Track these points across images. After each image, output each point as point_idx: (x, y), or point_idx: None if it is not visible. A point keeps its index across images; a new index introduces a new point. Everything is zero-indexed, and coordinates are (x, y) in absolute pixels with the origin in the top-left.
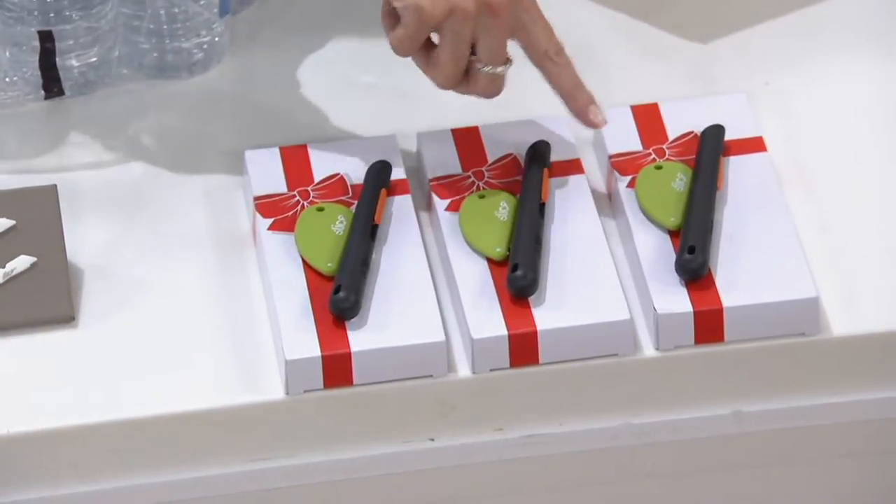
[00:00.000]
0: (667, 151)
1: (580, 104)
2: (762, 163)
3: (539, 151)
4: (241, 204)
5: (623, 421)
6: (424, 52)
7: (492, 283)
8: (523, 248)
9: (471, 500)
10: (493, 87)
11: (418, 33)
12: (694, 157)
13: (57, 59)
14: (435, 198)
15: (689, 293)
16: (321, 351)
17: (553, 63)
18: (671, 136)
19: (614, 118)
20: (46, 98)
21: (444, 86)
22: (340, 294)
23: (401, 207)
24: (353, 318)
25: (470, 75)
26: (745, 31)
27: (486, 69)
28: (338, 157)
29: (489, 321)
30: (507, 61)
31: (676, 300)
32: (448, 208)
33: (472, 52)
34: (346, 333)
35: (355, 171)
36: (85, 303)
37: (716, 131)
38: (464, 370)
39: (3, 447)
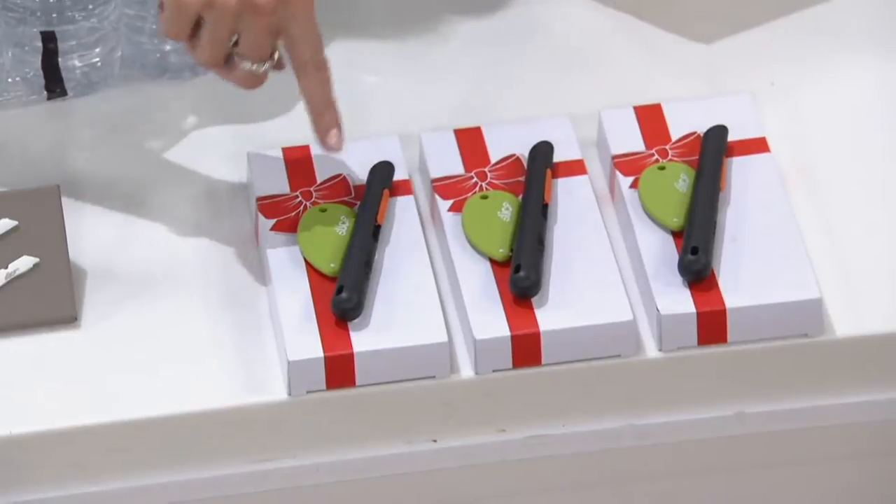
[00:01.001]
0: (670, 152)
1: (324, 125)
2: (766, 163)
3: (542, 152)
4: (243, 205)
5: (626, 422)
6: (194, 31)
7: (494, 283)
8: (526, 249)
9: (474, 501)
10: (250, 81)
11: (177, 19)
12: (697, 157)
13: (59, 59)
14: (438, 198)
15: (692, 294)
16: (324, 352)
17: (309, 76)
18: (674, 136)
19: (618, 119)
20: (49, 98)
21: (203, 66)
22: (343, 295)
23: (403, 208)
24: (355, 318)
25: (231, 63)
26: (749, 32)
27: (245, 64)
28: (340, 158)
29: (492, 322)
30: (270, 60)
31: (679, 301)
32: (451, 209)
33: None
34: (349, 334)
35: (358, 171)
36: (87, 303)
37: (719, 132)
38: (466, 371)
39: (6, 448)
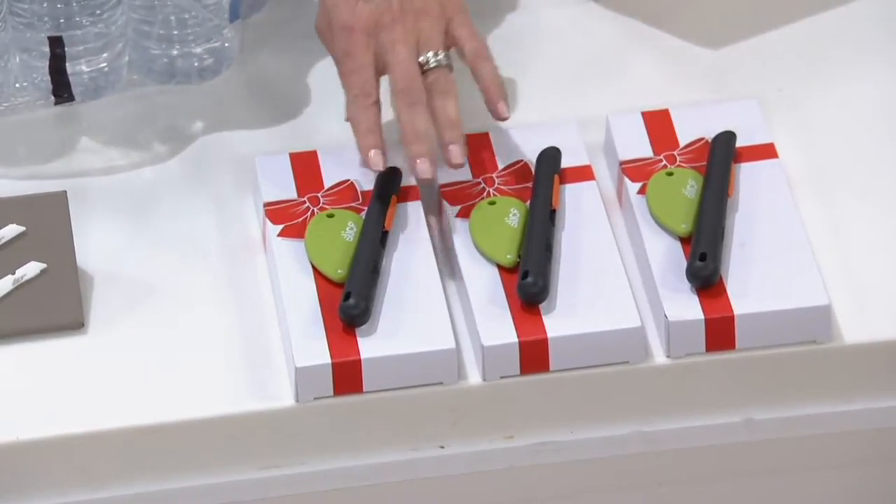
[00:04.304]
0: (678, 158)
1: (499, 101)
2: (774, 169)
3: (550, 158)
4: (251, 210)
5: (634, 428)
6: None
7: (502, 290)
8: (534, 255)
9: None
10: (445, 84)
11: (360, 54)
12: (705, 163)
13: (67, 64)
14: (445, 204)
15: (700, 300)
16: (331, 358)
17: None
18: (682, 142)
19: (625, 124)
20: (56, 104)
21: (405, 84)
22: (350, 301)
23: (411, 214)
24: (363, 324)
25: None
26: (757, 38)
27: (427, 56)
28: (348, 164)
29: (500, 328)
30: (445, 50)
31: (687, 307)
32: (458, 215)
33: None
34: (356, 340)
35: (365, 177)
36: (94, 309)
37: (727, 138)
38: (474, 377)
39: (13, 454)
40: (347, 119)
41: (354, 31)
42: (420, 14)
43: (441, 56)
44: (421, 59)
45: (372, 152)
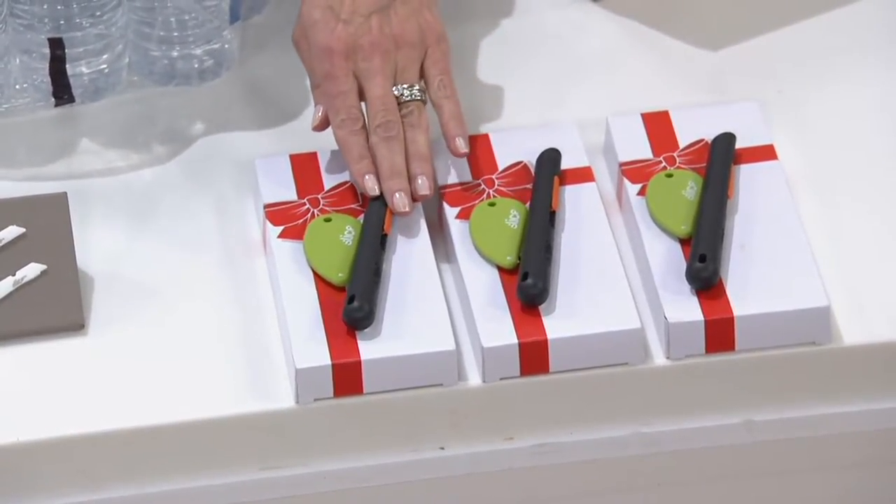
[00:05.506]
0: (677, 159)
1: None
2: (773, 171)
3: (549, 159)
4: (251, 212)
5: (633, 430)
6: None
7: (502, 291)
8: (534, 257)
9: None
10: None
11: (339, 79)
12: (705, 165)
13: (67, 66)
14: (445, 206)
15: (699, 302)
16: (331, 359)
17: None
18: (682, 143)
19: (625, 126)
20: (56, 105)
21: (384, 113)
22: (354, 304)
23: (410, 216)
24: (367, 327)
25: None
26: (756, 39)
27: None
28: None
29: (499, 330)
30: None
31: (687, 309)
32: (458, 216)
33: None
34: (357, 342)
35: None
36: (95, 310)
37: (727, 139)
38: (474, 379)
39: (14, 455)
40: (336, 140)
41: (334, 54)
42: (399, 40)
43: (416, 90)
44: (396, 91)
45: (367, 177)
